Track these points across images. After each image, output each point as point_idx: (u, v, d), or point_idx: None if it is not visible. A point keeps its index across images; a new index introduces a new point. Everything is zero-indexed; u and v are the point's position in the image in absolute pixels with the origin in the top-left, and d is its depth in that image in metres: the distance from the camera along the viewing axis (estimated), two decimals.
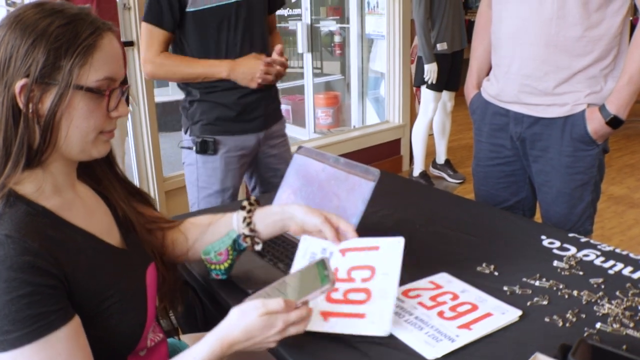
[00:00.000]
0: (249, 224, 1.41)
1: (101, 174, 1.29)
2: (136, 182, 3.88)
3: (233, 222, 1.44)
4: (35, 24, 1.04)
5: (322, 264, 1.19)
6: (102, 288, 1.10)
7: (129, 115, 3.67)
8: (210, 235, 1.46)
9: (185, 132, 2.40)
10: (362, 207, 1.59)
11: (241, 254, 1.47)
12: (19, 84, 1.03)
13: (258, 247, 1.42)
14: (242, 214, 1.43)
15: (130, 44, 3.63)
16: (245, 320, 1.11)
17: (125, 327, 1.15)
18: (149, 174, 3.89)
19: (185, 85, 2.37)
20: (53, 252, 1.02)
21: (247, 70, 2.25)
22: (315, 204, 1.73)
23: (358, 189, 1.63)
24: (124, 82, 1.17)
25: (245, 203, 1.44)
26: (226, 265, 1.46)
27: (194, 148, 2.35)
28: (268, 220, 1.41)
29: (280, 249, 1.72)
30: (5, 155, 1.06)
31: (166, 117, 6.79)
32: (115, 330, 1.12)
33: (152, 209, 1.44)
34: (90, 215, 1.19)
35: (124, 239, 1.26)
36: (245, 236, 1.42)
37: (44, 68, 1.03)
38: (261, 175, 2.53)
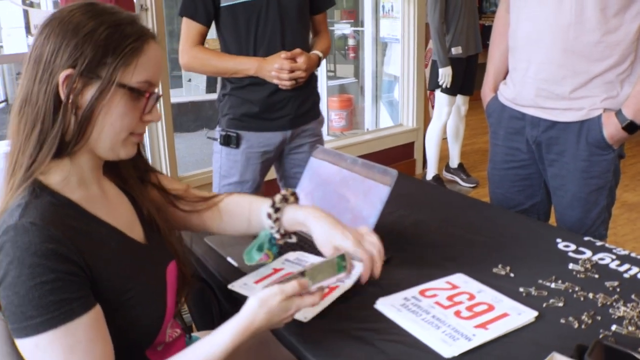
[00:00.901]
0: (278, 229, 1.42)
1: (129, 174, 1.32)
2: None
3: (263, 221, 1.42)
4: (86, 22, 1.08)
5: (342, 257, 1.22)
6: (124, 280, 1.13)
7: None
8: (241, 223, 1.47)
9: (218, 123, 2.48)
10: (380, 207, 1.61)
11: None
12: (63, 74, 1.07)
13: (292, 240, 1.46)
14: (271, 212, 1.40)
15: None
16: (266, 308, 1.13)
17: (145, 320, 1.17)
18: (164, 172, 3.90)
19: (223, 78, 2.43)
20: (76, 242, 1.04)
21: (272, 68, 2.28)
22: (331, 205, 1.74)
23: (375, 190, 1.65)
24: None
25: (277, 198, 1.41)
26: (271, 260, 1.50)
27: (218, 140, 2.42)
28: (294, 225, 1.42)
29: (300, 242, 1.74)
30: (39, 143, 1.09)
31: (181, 118, 6.82)
32: (135, 322, 1.15)
33: (189, 193, 1.46)
34: (114, 210, 1.22)
35: (146, 236, 1.28)
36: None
37: (91, 63, 1.07)
38: (286, 171, 2.56)
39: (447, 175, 5.18)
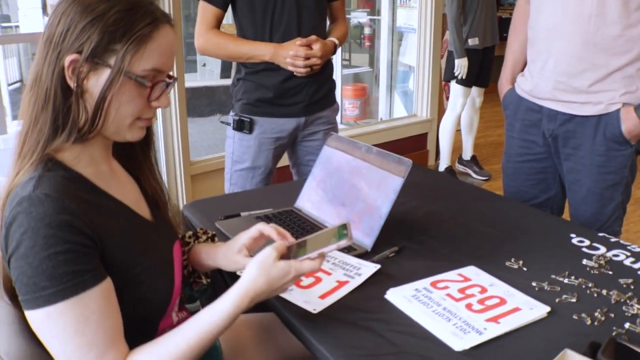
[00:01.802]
0: (185, 266, 1.44)
1: (136, 155, 1.32)
2: (163, 166, 3.91)
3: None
4: (97, 4, 1.07)
5: (344, 227, 1.22)
6: (133, 255, 1.14)
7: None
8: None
9: (231, 108, 2.47)
10: (393, 196, 1.60)
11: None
12: (68, 58, 1.06)
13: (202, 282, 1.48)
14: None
15: None
16: (264, 269, 1.15)
17: (154, 296, 1.18)
18: (177, 157, 3.91)
19: (237, 62, 2.42)
20: (88, 215, 1.05)
21: (287, 55, 2.26)
22: (344, 194, 1.74)
23: (389, 180, 1.63)
24: (171, 74, 1.20)
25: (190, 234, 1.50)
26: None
27: (232, 125, 2.41)
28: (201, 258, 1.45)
29: (296, 227, 1.75)
30: (54, 126, 1.09)
31: (195, 103, 6.82)
32: (144, 297, 1.15)
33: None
34: (122, 187, 1.23)
35: (152, 214, 1.29)
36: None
37: (97, 48, 1.07)
38: (299, 158, 2.55)
39: (460, 168, 5.15)
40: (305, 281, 1.43)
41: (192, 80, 8.26)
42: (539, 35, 2.04)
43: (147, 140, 1.32)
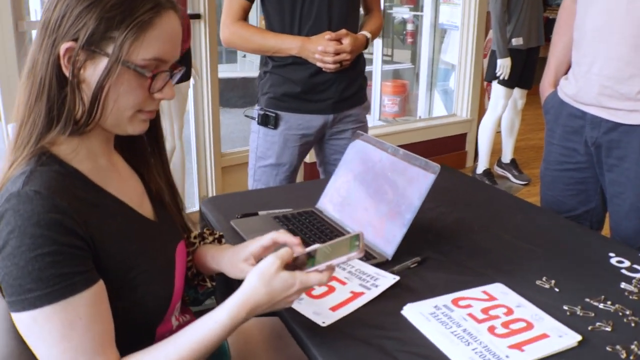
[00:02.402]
0: (189, 267, 1.38)
1: (141, 149, 1.25)
2: (193, 156, 3.87)
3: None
4: None
5: (356, 238, 1.12)
6: (130, 256, 1.07)
7: (191, 89, 3.65)
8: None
9: (257, 102, 2.39)
10: (417, 203, 1.51)
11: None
12: (64, 46, 1.00)
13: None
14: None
15: (197, 16, 3.58)
16: (265, 279, 1.06)
17: (151, 300, 1.11)
18: (207, 148, 3.87)
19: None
20: (82, 214, 0.99)
21: (315, 50, 2.17)
22: (369, 194, 1.65)
23: (416, 182, 1.54)
24: (180, 63, 1.12)
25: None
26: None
27: (256, 119, 2.33)
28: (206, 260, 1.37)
29: (315, 229, 1.67)
30: (49, 117, 1.03)
31: (230, 94, 6.78)
32: (140, 302, 1.09)
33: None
34: (123, 184, 1.16)
35: (156, 213, 1.22)
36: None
37: (93, 35, 1.00)
38: (326, 157, 2.46)
39: (499, 170, 5.00)
40: (317, 290, 1.34)
41: (232, 71, 8.24)
42: (585, 36, 1.90)
43: (157, 138, 1.25)
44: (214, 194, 3.81)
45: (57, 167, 1.02)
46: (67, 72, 1.01)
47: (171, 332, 1.20)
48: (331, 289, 1.35)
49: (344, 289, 1.35)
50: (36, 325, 0.95)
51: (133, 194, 1.17)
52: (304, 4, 2.16)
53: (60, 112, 1.02)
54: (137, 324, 1.11)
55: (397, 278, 1.39)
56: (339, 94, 2.28)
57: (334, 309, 1.27)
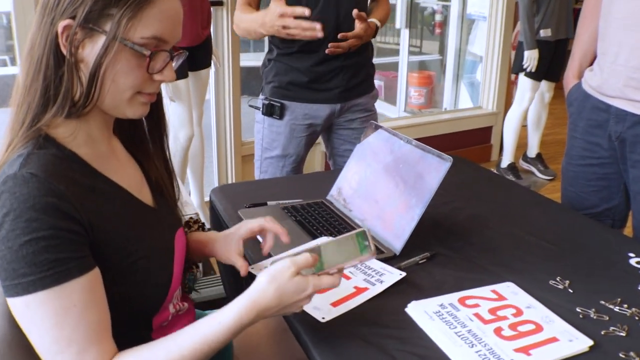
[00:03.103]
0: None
1: (141, 137, 1.23)
2: (214, 143, 3.85)
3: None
4: None
5: (362, 235, 1.08)
6: (128, 242, 1.05)
7: (212, 77, 3.62)
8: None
9: (261, 91, 2.33)
10: (428, 197, 1.45)
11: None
12: (62, 24, 0.98)
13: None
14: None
15: (219, 3, 3.55)
16: (277, 283, 1.02)
17: (150, 286, 1.09)
18: (227, 136, 3.84)
19: (270, 40, 2.26)
20: (79, 198, 0.97)
21: (268, 20, 2.01)
22: (380, 187, 1.60)
23: (427, 176, 1.48)
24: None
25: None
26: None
27: (261, 110, 2.27)
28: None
29: (323, 221, 1.62)
30: (45, 97, 1.01)
31: (253, 82, 6.75)
32: (139, 288, 1.07)
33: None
34: (122, 170, 1.14)
35: (155, 200, 1.20)
36: None
37: (91, 12, 0.98)
38: (335, 148, 2.40)
39: (524, 165, 4.90)
40: None
41: (259, 60, 8.20)
42: (611, 25, 1.82)
43: (159, 126, 1.23)
44: (232, 182, 3.78)
45: (55, 151, 1.00)
46: (64, 51, 0.99)
47: (168, 321, 1.18)
48: None
49: (347, 284, 1.30)
50: (29, 311, 0.93)
51: (132, 180, 1.15)
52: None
53: (57, 92, 1.00)
54: (134, 310, 1.08)
55: (404, 274, 1.33)
56: (345, 82, 2.21)
57: (335, 304, 1.23)
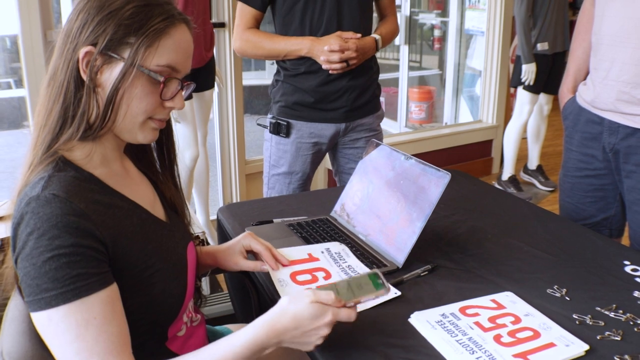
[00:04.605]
0: None
1: (151, 161, 1.31)
2: (218, 163, 3.90)
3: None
4: (113, 0, 1.07)
5: (375, 275, 1.18)
6: (146, 255, 1.11)
7: (215, 96, 3.68)
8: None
9: (269, 111, 2.40)
10: (429, 211, 1.50)
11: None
12: (83, 50, 1.06)
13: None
14: None
15: (221, 25, 3.62)
16: (295, 306, 1.07)
17: (167, 296, 1.15)
18: (232, 155, 3.90)
19: (278, 63, 2.34)
20: (99, 216, 1.03)
21: (323, 47, 2.16)
22: (382, 202, 1.65)
23: (427, 191, 1.53)
24: (190, 79, 1.18)
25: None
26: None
27: (268, 128, 2.35)
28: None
29: (328, 237, 1.67)
30: (63, 119, 1.08)
31: (256, 101, 6.83)
32: (157, 298, 1.12)
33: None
34: (136, 187, 1.21)
35: (167, 215, 1.27)
36: None
37: (111, 40, 1.06)
38: (340, 166, 2.46)
39: (524, 177, 4.95)
40: (302, 277, 1.40)
41: (260, 78, 8.29)
42: (602, 42, 1.88)
43: (168, 151, 1.31)
44: (238, 201, 3.83)
45: (74, 173, 1.06)
46: (84, 76, 1.07)
47: (181, 330, 1.24)
48: (314, 279, 1.39)
49: (324, 282, 1.38)
50: (52, 324, 0.97)
51: (145, 197, 1.22)
52: (313, 14, 2.18)
53: (75, 113, 1.07)
54: (152, 320, 1.14)
55: (398, 293, 1.36)
56: (351, 102, 2.28)
57: None
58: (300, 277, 1.40)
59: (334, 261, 1.50)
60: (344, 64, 2.18)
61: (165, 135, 1.26)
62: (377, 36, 2.28)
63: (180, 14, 1.13)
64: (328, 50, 2.14)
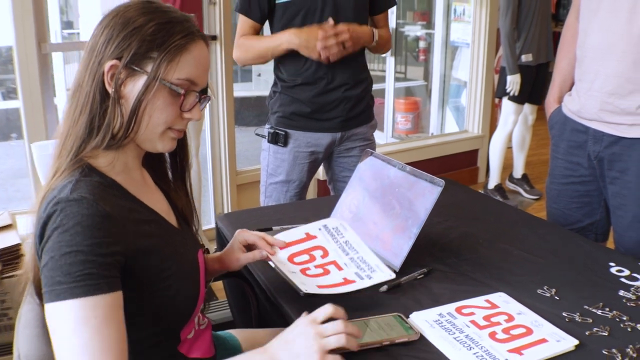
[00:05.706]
0: None
1: (164, 172, 1.38)
2: (209, 174, 3.95)
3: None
4: (137, 17, 1.14)
5: (400, 318, 1.28)
6: (162, 259, 1.17)
7: (207, 108, 3.73)
8: None
9: (267, 121, 2.47)
10: (424, 217, 1.56)
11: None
12: (109, 64, 1.13)
13: None
14: None
15: (213, 38, 3.68)
16: (307, 318, 1.11)
17: (182, 299, 1.21)
18: (223, 166, 3.94)
19: (275, 74, 2.42)
20: (121, 219, 1.08)
21: (306, 36, 2.22)
22: (378, 210, 1.71)
23: (422, 197, 1.60)
24: (205, 92, 1.25)
25: None
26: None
27: (266, 138, 2.42)
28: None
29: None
30: (89, 129, 1.14)
31: (245, 112, 6.88)
32: (173, 300, 1.18)
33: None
34: (153, 195, 1.28)
35: (179, 224, 1.33)
36: None
37: (135, 55, 1.13)
38: (335, 174, 2.53)
39: (510, 186, 5.04)
40: (313, 270, 1.44)
41: (247, 90, 8.35)
42: (586, 54, 1.97)
43: (182, 162, 1.37)
44: (230, 211, 3.88)
45: (98, 178, 1.13)
46: (109, 88, 1.13)
47: (192, 333, 1.29)
48: (326, 272, 1.44)
49: (338, 274, 1.43)
50: (56, 316, 1.00)
51: (160, 205, 1.29)
52: (311, 25, 2.24)
53: (101, 124, 1.14)
54: (167, 321, 1.20)
55: (393, 275, 1.43)
56: (346, 112, 2.36)
57: (321, 287, 1.36)
58: (297, 259, 1.46)
59: (332, 237, 1.56)
60: (341, 48, 2.22)
61: (180, 146, 1.31)
62: (374, 29, 2.35)
63: (199, 31, 1.20)
64: (322, 38, 2.18)
